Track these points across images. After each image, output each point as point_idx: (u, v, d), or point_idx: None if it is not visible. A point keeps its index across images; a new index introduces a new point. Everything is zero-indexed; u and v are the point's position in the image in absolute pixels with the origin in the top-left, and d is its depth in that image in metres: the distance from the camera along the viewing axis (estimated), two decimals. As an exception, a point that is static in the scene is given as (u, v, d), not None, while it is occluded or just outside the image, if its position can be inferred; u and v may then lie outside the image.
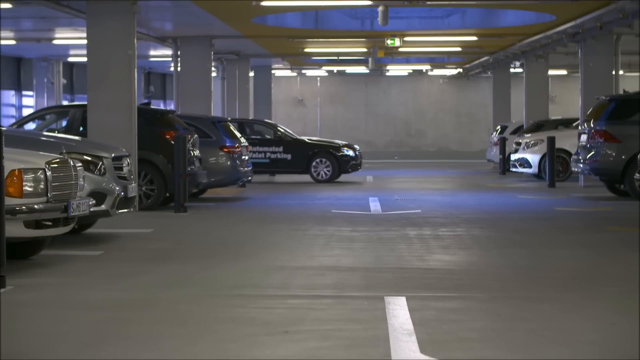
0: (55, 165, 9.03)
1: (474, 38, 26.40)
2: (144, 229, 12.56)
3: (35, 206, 8.67)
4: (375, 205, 16.33)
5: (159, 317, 6.77)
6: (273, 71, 38.82)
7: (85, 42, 16.03)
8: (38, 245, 9.59)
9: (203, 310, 7.00)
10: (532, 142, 23.31)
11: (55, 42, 26.39)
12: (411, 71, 43.76)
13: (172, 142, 15.20)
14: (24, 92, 33.33)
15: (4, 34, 24.31)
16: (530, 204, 16.80)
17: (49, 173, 8.85)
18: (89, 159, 11.15)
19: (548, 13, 21.33)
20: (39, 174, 8.76)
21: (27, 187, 8.65)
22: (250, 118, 29.62)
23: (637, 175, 16.75)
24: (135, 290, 7.92)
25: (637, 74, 38.08)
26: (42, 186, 8.75)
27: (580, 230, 12.79)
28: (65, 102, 32.26)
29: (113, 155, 11.58)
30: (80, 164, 9.63)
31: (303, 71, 43.60)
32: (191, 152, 15.57)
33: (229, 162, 17.66)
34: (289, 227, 12.90)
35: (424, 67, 41.74)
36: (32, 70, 32.85)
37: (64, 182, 9.12)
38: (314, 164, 23.65)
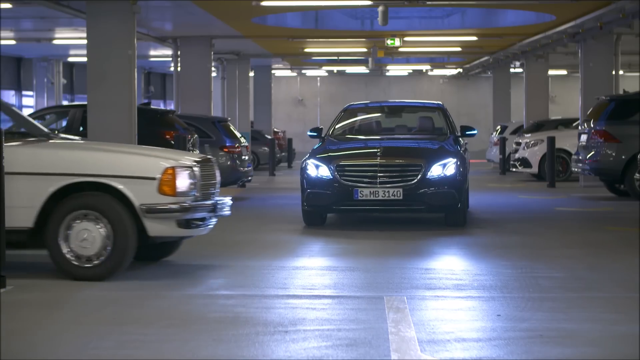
0: (202, 164, 8.80)
1: (474, 38, 26.41)
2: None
3: (187, 205, 8.41)
4: (375, 205, 16.26)
5: (158, 317, 6.77)
6: (273, 71, 38.82)
7: (85, 42, 16.03)
8: (171, 247, 9.52)
9: (203, 310, 7.00)
10: (532, 142, 23.31)
11: (55, 42, 26.41)
12: (411, 71, 43.78)
13: (172, 142, 15.19)
14: (24, 92, 33.35)
15: (4, 34, 24.32)
16: (530, 204, 16.79)
17: (197, 171, 8.60)
18: None
19: (548, 13, 21.34)
20: (190, 172, 8.48)
21: (180, 186, 8.38)
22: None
23: (637, 175, 16.76)
24: (135, 290, 7.91)
25: (637, 74, 38.10)
26: (192, 185, 8.49)
27: (580, 230, 12.79)
28: (65, 102, 32.27)
29: None
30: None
31: (303, 71, 43.61)
32: (191, 152, 15.57)
33: (229, 162, 17.64)
34: (288, 226, 12.89)
35: (424, 67, 41.76)
36: (32, 70, 32.86)
37: (209, 181, 8.90)
38: None
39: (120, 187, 8.21)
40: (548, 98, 30.60)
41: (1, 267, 7.70)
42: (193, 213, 8.44)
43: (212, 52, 25.24)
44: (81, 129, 15.80)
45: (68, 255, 8.20)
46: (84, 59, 16.95)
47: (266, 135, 31.74)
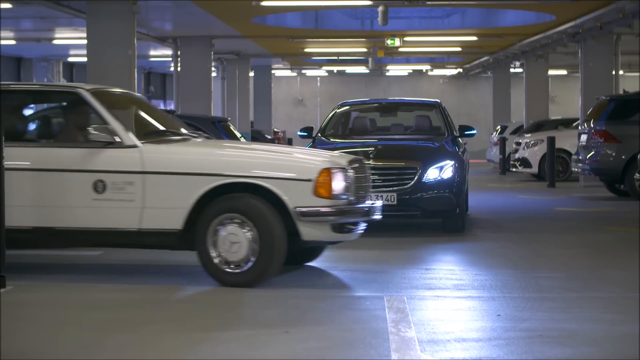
0: (356, 165, 8.29)
1: (474, 38, 26.42)
2: (144, 229, 12.51)
3: (344, 208, 7.91)
4: (375, 205, 16.23)
5: (159, 317, 6.77)
6: (273, 71, 38.84)
7: (85, 42, 16.03)
8: (317, 252, 9.17)
9: (203, 310, 7.00)
10: (532, 142, 23.32)
11: (55, 42, 26.43)
12: (411, 71, 43.80)
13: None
14: (24, 92, 33.26)
15: (4, 34, 24.34)
16: (530, 204, 16.80)
17: (351, 173, 8.09)
18: None
19: (548, 13, 21.35)
20: (345, 174, 7.96)
21: (336, 188, 7.83)
22: None
23: (637, 175, 16.76)
24: (136, 290, 7.91)
25: (637, 74, 38.12)
26: (347, 187, 7.95)
27: (580, 230, 12.79)
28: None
29: None
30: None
31: (303, 71, 43.63)
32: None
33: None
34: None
35: (424, 67, 41.78)
36: (32, 70, 32.89)
37: (362, 183, 8.36)
38: None
39: (274, 189, 7.75)
40: (548, 98, 30.62)
41: (1, 267, 7.69)
42: (349, 217, 7.96)
43: (212, 52, 25.25)
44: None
45: (216, 260, 7.85)
46: (84, 59, 16.96)
47: (266, 135, 31.75)
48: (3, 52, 28.24)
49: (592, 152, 17.26)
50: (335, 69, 41.62)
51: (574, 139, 20.17)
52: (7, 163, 7.83)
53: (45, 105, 9.81)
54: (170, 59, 27.07)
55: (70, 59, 33.67)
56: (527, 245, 10.97)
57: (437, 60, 37.31)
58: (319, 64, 38.57)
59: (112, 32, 15.69)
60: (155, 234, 7.92)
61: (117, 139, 8.04)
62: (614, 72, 22.35)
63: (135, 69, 16.01)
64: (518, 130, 28.08)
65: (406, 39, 25.62)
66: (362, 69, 40.53)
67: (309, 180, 7.73)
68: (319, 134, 13.05)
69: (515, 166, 23.92)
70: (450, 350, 5.71)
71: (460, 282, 8.27)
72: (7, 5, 18.08)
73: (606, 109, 17.37)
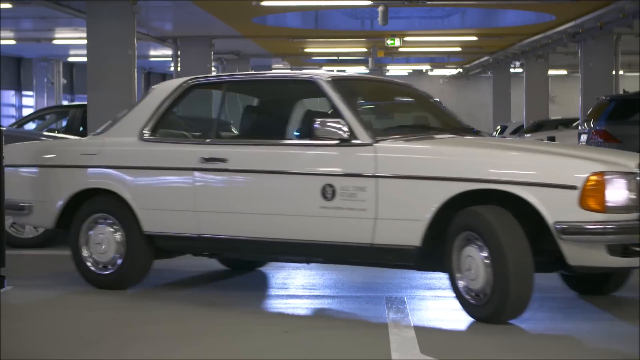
0: None
1: (474, 38, 26.44)
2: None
3: (624, 225, 6.05)
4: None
5: (159, 317, 6.77)
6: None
7: (85, 42, 16.04)
8: (620, 278, 7.34)
9: (203, 310, 7.00)
10: (532, 142, 23.33)
11: (55, 42, 26.45)
12: (411, 71, 43.82)
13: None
14: (24, 92, 33.35)
15: (4, 34, 24.36)
16: (530, 204, 16.77)
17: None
18: None
19: (548, 13, 21.36)
20: (629, 180, 6.10)
21: (612, 199, 6.02)
22: None
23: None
24: (136, 290, 7.91)
25: (637, 74, 38.15)
26: (633, 197, 6.10)
27: (580, 230, 12.77)
28: (65, 102, 32.28)
29: None
30: None
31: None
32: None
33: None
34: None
35: (424, 67, 41.82)
36: (32, 70, 32.90)
37: None
38: None
39: (527, 197, 6.11)
40: (548, 98, 30.66)
41: (1, 267, 7.68)
42: (633, 236, 6.09)
43: (212, 52, 25.27)
44: (81, 129, 15.81)
45: (461, 287, 6.45)
46: (84, 59, 16.98)
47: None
48: (3, 52, 28.26)
49: (592, 152, 17.25)
50: (335, 69, 41.63)
51: (574, 139, 20.18)
52: (221, 165, 7.15)
53: (272, 97, 8.57)
54: (170, 59, 27.09)
55: (70, 59, 33.67)
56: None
57: (437, 60, 37.34)
58: (319, 64, 38.59)
59: (112, 32, 15.70)
60: (390, 250, 6.57)
61: (353, 136, 6.75)
62: (614, 72, 22.38)
63: (135, 69, 16.02)
64: (518, 130, 28.10)
65: (406, 39, 25.64)
66: (362, 69, 40.57)
67: (573, 187, 6.01)
68: None
69: (515, 166, 23.90)
70: (451, 350, 5.71)
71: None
72: (7, 5, 18.10)
73: (606, 109, 17.38)
